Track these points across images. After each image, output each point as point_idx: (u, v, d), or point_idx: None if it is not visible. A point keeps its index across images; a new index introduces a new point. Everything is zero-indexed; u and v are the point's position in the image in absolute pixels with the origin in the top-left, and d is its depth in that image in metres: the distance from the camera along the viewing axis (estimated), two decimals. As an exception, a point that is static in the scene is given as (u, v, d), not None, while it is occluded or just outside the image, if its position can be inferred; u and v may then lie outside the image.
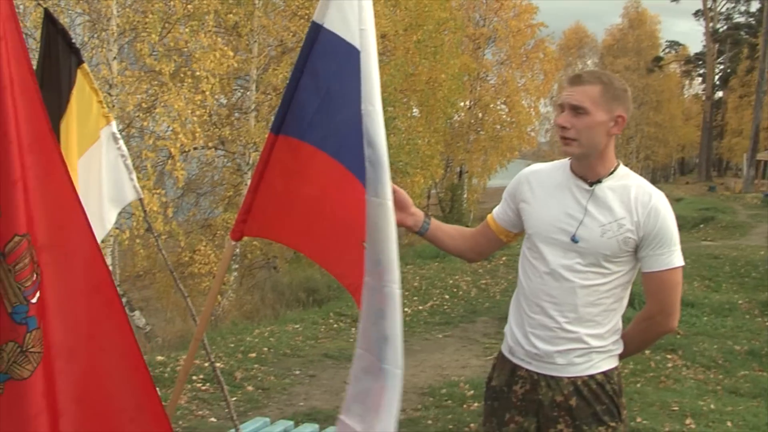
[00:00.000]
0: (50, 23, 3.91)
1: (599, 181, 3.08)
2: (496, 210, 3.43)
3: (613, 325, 3.14)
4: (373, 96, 2.93)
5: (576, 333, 3.07)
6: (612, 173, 3.10)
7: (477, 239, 3.47)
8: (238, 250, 18.73)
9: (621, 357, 3.22)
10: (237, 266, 20.01)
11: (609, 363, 3.15)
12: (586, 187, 3.09)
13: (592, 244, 3.02)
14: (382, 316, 2.84)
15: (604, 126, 3.02)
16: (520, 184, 3.30)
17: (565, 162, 3.22)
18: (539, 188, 3.22)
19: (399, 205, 3.24)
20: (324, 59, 3.21)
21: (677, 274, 3.09)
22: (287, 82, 3.36)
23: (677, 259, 3.08)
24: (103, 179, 4.21)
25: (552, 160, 3.40)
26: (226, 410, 7.09)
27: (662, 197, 3.09)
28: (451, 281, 15.65)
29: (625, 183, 3.09)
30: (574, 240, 3.04)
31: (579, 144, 3.03)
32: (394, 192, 3.19)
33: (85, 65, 4.09)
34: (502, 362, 3.31)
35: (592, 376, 3.10)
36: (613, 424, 3.10)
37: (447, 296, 14.35)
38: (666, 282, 3.08)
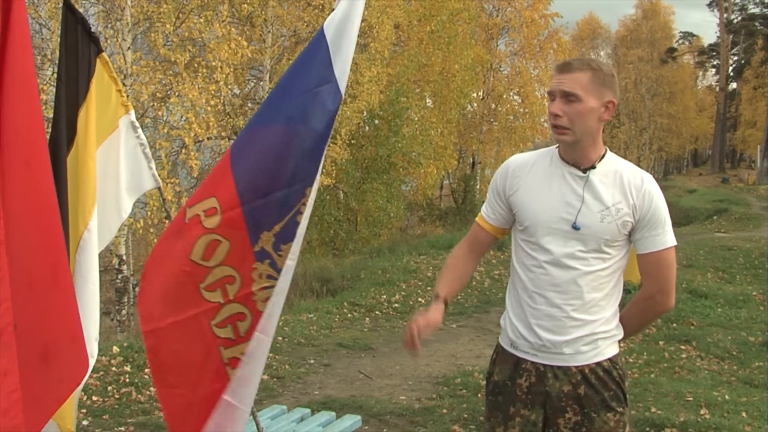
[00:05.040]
0: (69, 12, 3.92)
1: (593, 167, 3.11)
2: (485, 212, 3.39)
3: (615, 309, 3.19)
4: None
5: (583, 320, 3.09)
6: (602, 159, 3.14)
7: (476, 249, 3.46)
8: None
9: (620, 341, 3.26)
10: (250, 256, 20.04)
11: (613, 349, 3.19)
12: (580, 173, 3.11)
13: (593, 230, 3.05)
14: None
15: (596, 112, 3.04)
16: (507, 178, 3.27)
17: (551, 150, 3.24)
18: (528, 178, 3.21)
19: (434, 326, 3.23)
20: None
21: (672, 253, 3.15)
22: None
23: (671, 239, 3.13)
24: (122, 168, 4.22)
25: None
26: (242, 398, 7.13)
27: (652, 179, 3.14)
28: (464, 271, 15.63)
29: (616, 168, 3.13)
30: (575, 227, 3.05)
31: (572, 132, 3.05)
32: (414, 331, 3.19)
33: (105, 54, 4.10)
34: (503, 356, 3.30)
35: (598, 363, 3.13)
36: (620, 409, 3.14)
37: (460, 286, 14.34)
38: (663, 261, 3.13)
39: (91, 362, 3.57)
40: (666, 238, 3.11)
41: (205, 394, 3.13)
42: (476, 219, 3.46)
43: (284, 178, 3.17)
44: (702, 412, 7.03)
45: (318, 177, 3.24)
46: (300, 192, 3.20)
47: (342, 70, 3.29)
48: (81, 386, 3.62)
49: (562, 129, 3.05)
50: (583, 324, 3.09)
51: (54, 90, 3.90)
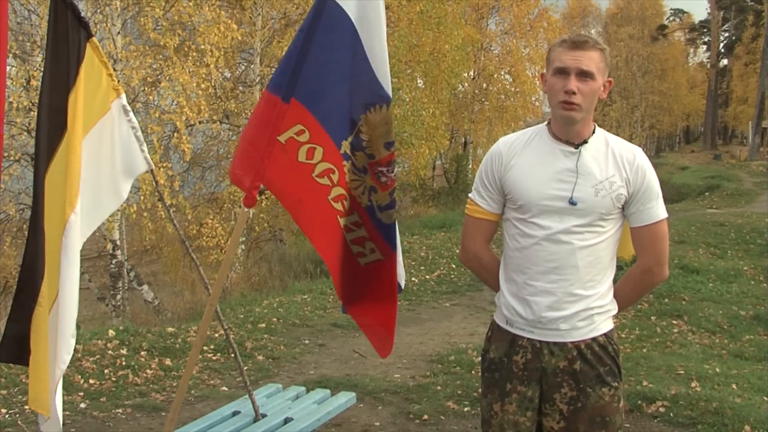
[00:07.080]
0: (59, -3, 3.93)
1: (585, 142, 3.14)
2: (483, 203, 3.30)
3: (609, 284, 3.22)
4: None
5: (579, 295, 3.12)
6: (593, 134, 3.17)
7: (491, 238, 3.41)
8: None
9: (613, 316, 3.29)
10: (244, 239, 20.07)
11: (608, 324, 3.22)
12: (572, 149, 3.13)
13: (588, 204, 3.07)
14: None
15: (599, 91, 3.09)
16: (497, 161, 3.25)
17: (539, 128, 3.25)
18: (520, 158, 3.21)
19: None
20: (328, 31, 3.81)
21: (665, 224, 3.21)
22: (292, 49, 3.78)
23: (663, 211, 3.20)
24: (116, 151, 4.26)
25: None
26: (238, 379, 7.19)
27: (643, 153, 3.19)
28: (457, 250, 15.65)
29: (607, 142, 3.18)
30: (572, 203, 3.07)
31: (580, 109, 3.05)
32: None
33: (95, 39, 4.12)
34: (498, 334, 3.31)
35: (594, 339, 3.16)
36: (615, 384, 3.17)
37: (453, 265, 14.42)
38: (658, 233, 3.19)
39: (72, 342, 3.63)
40: (659, 210, 3.17)
41: (333, 247, 4.25)
42: (476, 215, 3.35)
43: (347, 104, 3.96)
44: (693, 384, 7.10)
45: (389, 99, 3.95)
46: (360, 112, 3.94)
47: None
48: (59, 380, 3.66)
49: (574, 105, 3.04)
50: (580, 299, 3.12)
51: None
